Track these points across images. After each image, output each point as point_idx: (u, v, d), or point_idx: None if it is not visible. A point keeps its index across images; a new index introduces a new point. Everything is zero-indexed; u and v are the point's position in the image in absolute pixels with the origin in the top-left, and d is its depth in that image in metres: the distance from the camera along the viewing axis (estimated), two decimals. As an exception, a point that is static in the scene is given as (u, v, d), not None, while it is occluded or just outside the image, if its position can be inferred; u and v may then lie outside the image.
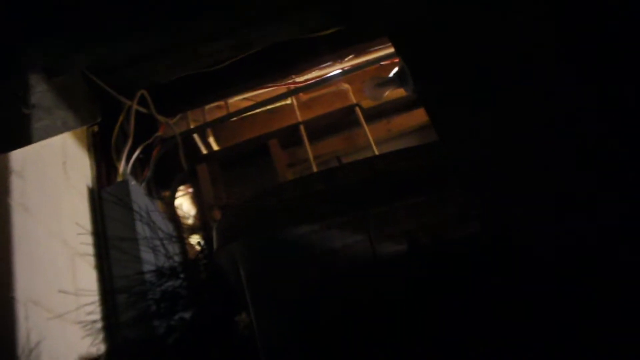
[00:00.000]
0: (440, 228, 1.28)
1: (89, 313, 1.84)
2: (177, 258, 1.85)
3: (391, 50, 3.06)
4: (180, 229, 2.70)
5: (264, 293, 1.26)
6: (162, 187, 3.02)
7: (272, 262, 1.25)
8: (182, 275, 1.73)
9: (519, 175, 1.23)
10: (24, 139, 1.84)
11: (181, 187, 3.23)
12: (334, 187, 1.30)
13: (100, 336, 1.80)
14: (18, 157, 1.86)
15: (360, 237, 1.26)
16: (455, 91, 1.45)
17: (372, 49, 3.13)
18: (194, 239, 2.81)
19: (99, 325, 1.85)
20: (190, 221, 3.05)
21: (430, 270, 1.23)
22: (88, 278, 2.03)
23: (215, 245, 1.42)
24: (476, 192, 1.25)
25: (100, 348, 1.75)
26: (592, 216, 1.03)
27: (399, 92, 3.18)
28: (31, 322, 1.61)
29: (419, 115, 3.23)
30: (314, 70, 3.30)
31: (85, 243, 2.09)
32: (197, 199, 3.20)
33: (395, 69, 2.69)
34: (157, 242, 1.82)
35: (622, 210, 0.99)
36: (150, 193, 2.76)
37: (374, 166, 1.40)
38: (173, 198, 3.09)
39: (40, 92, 2.02)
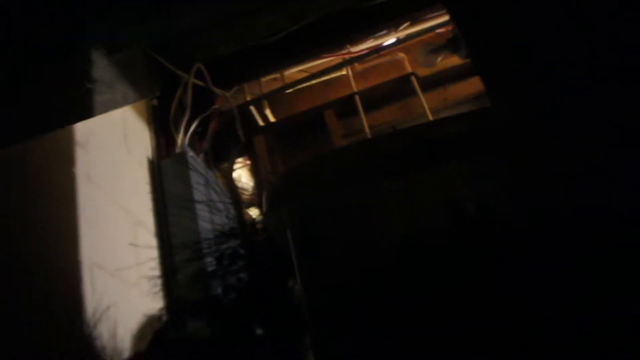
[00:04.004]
0: (486, 198, 1.28)
1: (150, 275, 1.93)
2: (234, 220, 1.90)
3: (446, 17, 3.01)
4: (238, 200, 2.78)
5: (309, 257, 1.30)
6: (220, 159, 3.09)
7: (317, 227, 1.28)
8: (238, 238, 1.77)
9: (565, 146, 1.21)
10: (87, 113, 1.92)
11: (239, 159, 3.30)
12: (377, 154, 1.31)
13: (161, 296, 1.88)
14: (82, 129, 1.95)
15: (404, 204, 1.27)
16: (507, 58, 1.43)
17: (427, 16, 3.08)
18: (252, 210, 2.88)
19: (159, 286, 1.94)
20: (248, 193, 3.12)
21: (475, 241, 1.23)
22: (148, 244, 2.12)
23: (265, 208, 1.47)
24: (521, 160, 1.24)
25: (161, 307, 1.84)
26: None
27: (455, 60, 3.14)
28: (96, 284, 1.71)
29: (475, 84, 3.17)
30: (369, 40, 3.29)
31: (145, 211, 2.18)
32: (254, 170, 3.27)
33: (450, 35, 2.65)
34: (215, 209, 1.87)
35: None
36: (208, 165, 2.84)
37: (419, 133, 1.40)
38: (231, 169, 3.16)
39: (101, 67, 2.10)
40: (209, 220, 2.01)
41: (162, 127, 2.64)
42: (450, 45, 2.56)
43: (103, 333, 1.68)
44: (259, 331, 1.69)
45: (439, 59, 2.86)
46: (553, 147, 1.21)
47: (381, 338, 1.16)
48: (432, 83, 3.32)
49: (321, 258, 1.29)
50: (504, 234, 1.21)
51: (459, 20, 2.04)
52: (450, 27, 3.04)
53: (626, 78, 1.16)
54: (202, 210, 2.03)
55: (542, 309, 1.11)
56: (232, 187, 2.91)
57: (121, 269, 1.88)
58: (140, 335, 1.82)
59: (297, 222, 1.31)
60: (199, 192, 2.13)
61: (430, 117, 3.13)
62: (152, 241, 2.17)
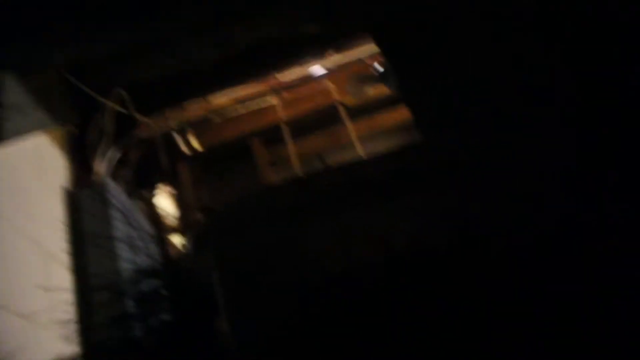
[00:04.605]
0: (417, 233, 1.27)
1: (63, 315, 1.80)
2: (157, 258, 1.81)
3: (373, 47, 3.03)
4: (160, 229, 2.67)
5: (237, 299, 1.24)
6: (142, 187, 2.97)
7: (245, 269, 1.23)
8: (161, 277, 1.69)
9: (498, 172, 1.22)
10: (-5, 139, 1.80)
11: (162, 187, 3.19)
12: (307, 195, 1.28)
13: (75, 338, 1.76)
14: (-10, 158, 1.81)
15: (336, 242, 1.24)
16: (436, 88, 1.43)
17: (353, 46, 3.10)
18: (175, 239, 2.77)
19: (74, 326, 1.81)
20: (170, 221, 3.01)
21: (408, 275, 1.22)
22: (62, 279, 1.98)
23: (192, 249, 1.40)
24: (457, 190, 1.23)
25: (75, 350, 1.71)
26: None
27: (382, 90, 3.16)
28: (4, 327, 1.57)
29: (402, 112, 3.20)
30: (297, 69, 3.27)
31: (60, 246, 2.04)
32: (178, 198, 3.16)
33: (377, 66, 2.67)
34: (137, 242, 1.78)
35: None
36: (129, 193, 2.71)
37: (351, 172, 1.38)
38: (153, 198, 3.04)
39: (13, 91, 1.98)
40: (129, 258, 1.90)
41: (80, 154, 2.51)
42: (380, 76, 2.58)
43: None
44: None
45: (368, 88, 2.87)
46: (481, 177, 1.22)
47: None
48: (359, 112, 3.33)
49: (249, 300, 1.24)
50: (435, 266, 1.20)
51: (386, 52, 2.06)
52: (376, 58, 3.07)
53: (552, 110, 1.17)
54: (121, 247, 1.92)
55: (476, 333, 1.10)
56: (154, 217, 2.79)
57: (32, 309, 1.74)
58: (52, 383, 1.68)
59: (224, 264, 1.25)
60: (119, 227, 2.02)
61: (358, 146, 3.13)
62: (67, 279, 2.03)
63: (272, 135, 3.27)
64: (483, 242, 1.15)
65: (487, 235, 1.16)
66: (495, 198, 1.20)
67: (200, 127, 3.36)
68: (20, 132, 2.01)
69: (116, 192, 2.35)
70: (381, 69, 2.60)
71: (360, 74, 2.90)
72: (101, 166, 2.48)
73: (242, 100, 3.25)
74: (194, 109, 3.33)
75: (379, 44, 2.14)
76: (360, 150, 3.12)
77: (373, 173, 1.30)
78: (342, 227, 1.25)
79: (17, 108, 1.97)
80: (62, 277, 2.00)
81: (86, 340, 1.76)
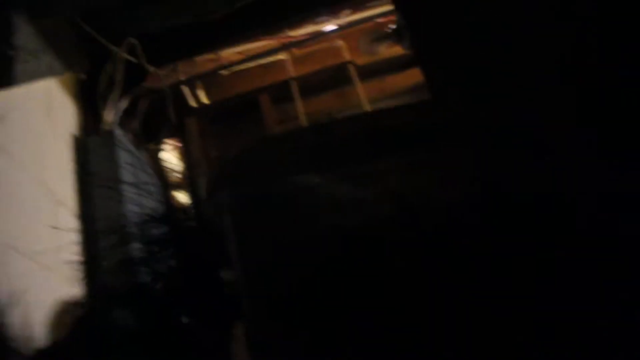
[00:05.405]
0: (429, 189, 1.27)
1: (70, 257, 1.81)
2: (164, 204, 1.82)
3: (388, 7, 2.99)
4: (167, 184, 2.67)
5: (249, 246, 1.24)
6: (149, 139, 2.97)
7: (258, 215, 1.23)
8: (170, 223, 1.70)
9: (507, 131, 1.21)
10: (7, 81, 1.78)
11: (169, 140, 3.18)
12: (323, 142, 1.27)
13: (82, 283, 1.77)
14: (1, 100, 1.80)
15: (348, 194, 1.24)
16: (449, 50, 1.42)
17: (368, 4, 3.05)
18: (181, 193, 2.78)
19: (80, 269, 1.83)
20: (176, 175, 3.02)
21: (422, 231, 1.21)
22: (70, 225, 1.99)
23: (205, 194, 1.40)
24: (467, 149, 1.23)
25: (81, 293, 1.73)
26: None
27: (394, 51, 3.13)
28: (10, 267, 1.58)
29: (412, 76, 3.17)
30: (309, 26, 3.23)
31: (68, 191, 2.05)
32: (185, 152, 3.16)
33: (393, 25, 2.64)
34: (144, 188, 1.78)
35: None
36: (137, 145, 2.71)
37: (364, 122, 1.37)
38: (160, 150, 3.04)
39: (25, 33, 1.96)
40: (137, 203, 1.91)
41: (89, 102, 2.50)
42: (394, 34, 2.55)
43: (15, 320, 1.56)
44: (185, 320, 1.63)
45: (382, 47, 2.85)
46: (494, 136, 1.21)
47: (326, 328, 1.12)
48: (369, 73, 3.30)
49: (261, 247, 1.24)
50: (449, 223, 1.20)
51: (403, 10, 2.03)
52: (390, 17, 3.03)
53: (568, 69, 1.16)
54: (130, 193, 1.92)
55: (486, 294, 1.11)
56: (161, 169, 2.80)
57: (39, 252, 1.75)
58: (57, 323, 1.70)
59: (237, 209, 1.25)
60: (127, 173, 2.02)
61: (367, 107, 3.11)
62: (74, 223, 2.04)
63: (280, 92, 3.25)
64: (501, 200, 1.14)
65: (506, 194, 1.16)
66: (514, 158, 1.19)
67: (209, 81, 3.34)
68: (31, 75, 2.00)
69: (124, 141, 2.35)
70: (395, 27, 2.57)
71: (373, 31, 2.86)
72: (110, 115, 2.47)
73: (252, 56, 3.22)
74: (204, 62, 3.30)
75: (395, 3, 2.11)
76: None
77: (385, 124, 1.28)
78: (356, 179, 1.24)
79: (28, 51, 1.96)
80: (69, 222, 2.02)
81: (92, 284, 1.78)
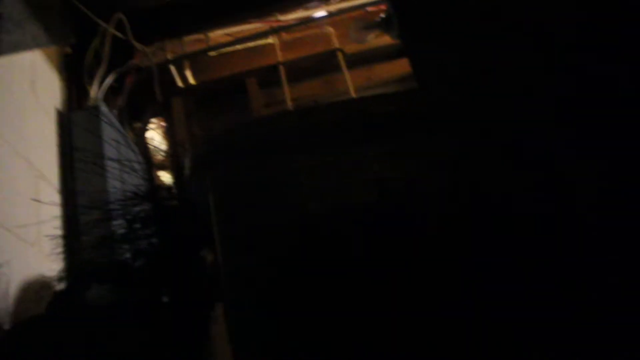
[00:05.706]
0: (414, 175, 1.27)
1: (52, 232, 1.80)
2: (148, 182, 1.80)
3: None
4: (151, 162, 2.66)
5: (232, 225, 1.24)
6: (135, 118, 2.95)
7: (242, 195, 1.23)
8: (152, 201, 1.69)
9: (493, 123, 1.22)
10: (-9, 51, 1.76)
11: (154, 119, 3.16)
12: (308, 126, 1.27)
13: (62, 258, 1.76)
14: (-17, 70, 1.78)
15: (332, 178, 1.24)
16: (438, 41, 1.42)
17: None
18: (164, 173, 2.77)
19: (61, 244, 1.82)
20: (160, 154, 3.00)
21: (401, 218, 1.23)
22: (51, 200, 1.98)
23: (188, 172, 1.40)
24: (452, 137, 1.24)
25: (61, 268, 1.72)
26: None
27: (382, 40, 3.13)
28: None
29: (400, 65, 3.18)
30: (299, 11, 3.22)
31: (50, 165, 2.03)
32: (170, 132, 3.14)
33: (383, 14, 2.64)
34: (128, 165, 1.77)
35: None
36: (121, 122, 2.69)
37: (351, 108, 1.38)
38: (145, 129, 3.02)
39: (9, 2, 1.93)
40: (119, 179, 1.90)
41: (75, 77, 2.47)
42: (383, 23, 2.55)
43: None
44: (165, 299, 1.62)
45: (371, 36, 2.85)
46: (479, 128, 1.22)
47: (304, 310, 1.13)
48: (357, 61, 3.30)
49: (243, 228, 1.24)
50: (431, 211, 1.22)
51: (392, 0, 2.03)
52: (380, 6, 3.03)
53: (553, 61, 1.17)
54: (113, 169, 1.91)
55: (467, 281, 1.12)
56: (145, 147, 2.78)
57: (20, 226, 1.74)
58: (37, 297, 1.69)
59: (221, 188, 1.25)
60: (111, 149, 2.01)
61: (353, 95, 3.11)
62: (56, 198, 2.02)
63: (268, 76, 3.24)
64: (479, 188, 1.16)
65: (482, 182, 1.17)
66: (494, 147, 1.20)
67: (196, 61, 3.32)
68: (15, 46, 1.97)
69: (109, 116, 2.33)
70: (385, 16, 2.57)
71: (363, 20, 2.86)
72: (96, 90, 2.45)
73: (240, 38, 3.20)
74: (192, 42, 3.28)
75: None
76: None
77: (372, 111, 1.29)
78: (337, 164, 1.25)
79: (12, 20, 1.93)
80: (52, 196, 2.00)
81: (72, 259, 1.77)
